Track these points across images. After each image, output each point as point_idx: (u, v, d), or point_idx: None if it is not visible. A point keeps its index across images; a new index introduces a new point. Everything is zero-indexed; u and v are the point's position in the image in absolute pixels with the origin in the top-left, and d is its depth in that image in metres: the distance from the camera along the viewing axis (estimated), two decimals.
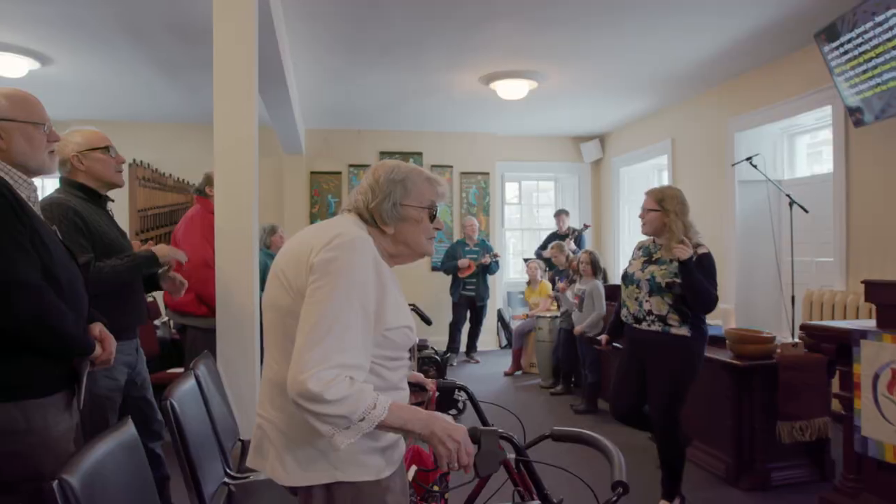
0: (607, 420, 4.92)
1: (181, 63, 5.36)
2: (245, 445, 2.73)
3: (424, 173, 1.54)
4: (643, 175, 8.27)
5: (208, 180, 3.58)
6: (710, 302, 2.96)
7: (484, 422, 1.96)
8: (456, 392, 2.03)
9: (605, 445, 1.55)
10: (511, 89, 5.94)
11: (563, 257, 6.34)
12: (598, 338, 3.66)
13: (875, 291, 2.87)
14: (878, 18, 3.81)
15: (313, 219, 8.10)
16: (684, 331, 3.02)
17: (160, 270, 2.55)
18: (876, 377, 2.69)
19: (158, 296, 6.80)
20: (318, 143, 8.13)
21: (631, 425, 3.30)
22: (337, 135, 8.17)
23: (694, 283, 2.94)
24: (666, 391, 3.05)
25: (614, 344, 3.58)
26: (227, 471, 2.32)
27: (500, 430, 1.45)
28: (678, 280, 2.98)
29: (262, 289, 3.99)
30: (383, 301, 1.38)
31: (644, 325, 3.11)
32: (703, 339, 3.07)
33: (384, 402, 1.29)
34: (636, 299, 3.14)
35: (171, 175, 7.74)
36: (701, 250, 3.03)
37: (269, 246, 5.30)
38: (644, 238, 3.29)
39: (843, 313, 4.54)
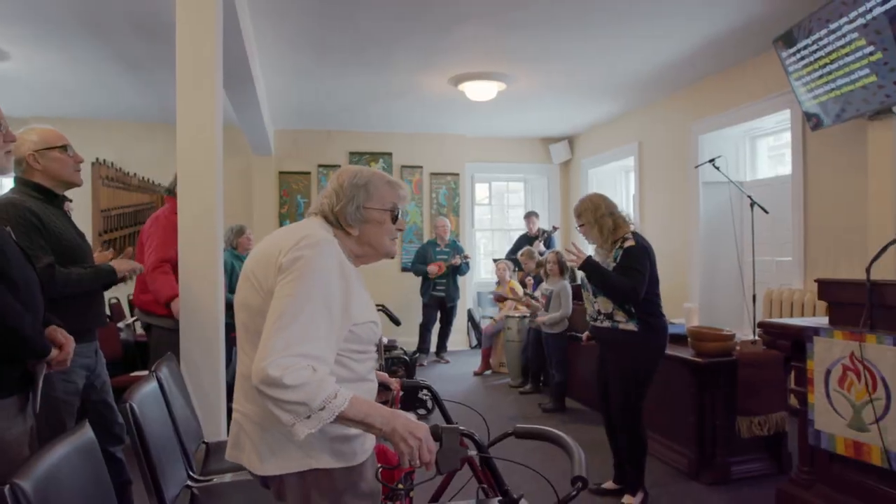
0: (575, 418, 5.00)
1: (144, 60, 5.27)
2: (210, 447, 2.71)
3: (386, 177, 1.62)
4: (611, 176, 8.39)
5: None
6: (627, 293, 3.09)
7: (448, 420, 1.99)
8: (421, 391, 2.04)
9: (566, 442, 1.59)
10: (480, 91, 5.98)
11: (532, 263, 6.41)
12: (580, 335, 3.72)
13: (827, 290, 2.97)
14: (832, 26, 3.94)
15: (282, 219, 8.04)
16: (632, 326, 3.15)
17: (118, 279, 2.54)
18: (828, 373, 2.79)
19: (123, 297, 6.67)
20: (287, 143, 8.07)
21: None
22: (306, 135, 8.12)
23: (601, 282, 3.14)
24: (619, 389, 3.19)
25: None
26: (191, 473, 2.30)
27: (462, 428, 1.47)
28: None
29: (230, 290, 3.97)
30: (349, 299, 1.43)
31: (598, 323, 3.30)
32: (654, 334, 3.17)
33: (345, 394, 1.32)
34: (590, 301, 3.34)
35: (136, 174, 7.60)
36: (626, 244, 3.17)
37: (236, 247, 5.24)
38: None
39: (800, 311, 4.68)
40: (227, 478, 2.36)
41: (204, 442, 2.67)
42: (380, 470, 1.50)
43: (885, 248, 2.69)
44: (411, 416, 1.40)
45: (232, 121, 6.48)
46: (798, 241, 4.98)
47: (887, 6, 3.54)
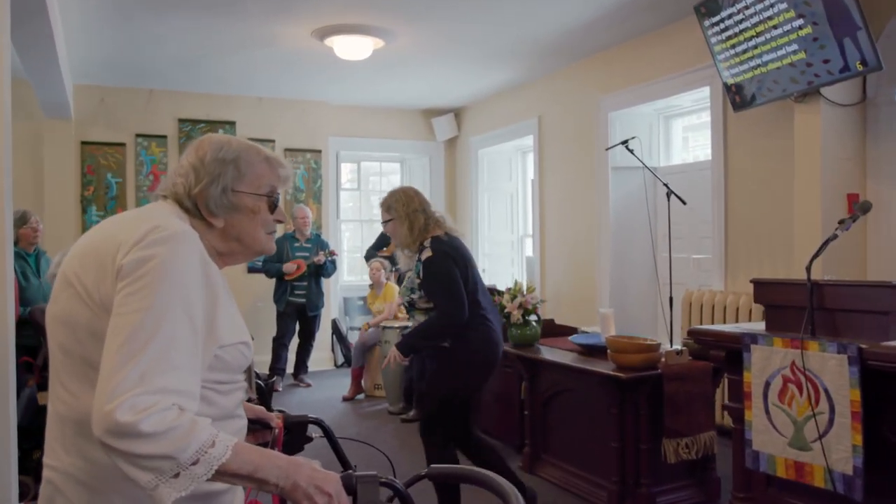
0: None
1: None
2: None
3: (264, 152, 1.56)
4: (505, 158, 8.59)
5: None
6: (448, 326, 3.35)
7: (345, 463, 1.90)
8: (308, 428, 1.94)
9: (497, 483, 1.55)
10: (352, 47, 5.88)
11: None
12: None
13: (764, 291, 3.19)
14: None
15: (86, 204, 7.44)
16: (444, 342, 3.43)
17: None
18: (767, 385, 3.00)
19: None
20: (92, 104, 7.49)
21: (469, 456, 3.54)
22: (119, 95, 7.58)
23: (428, 340, 3.48)
24: (428, 401, 3.56)
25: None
26: None
27: (380, 475, 1.41)
28: (415, 296, 3.53)
29: (21, 302, 3.61)
30: (214, 312, 1.36)
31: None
32: (468, 350, 3.42)
33: (226, 440, 1.22)
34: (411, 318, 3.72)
35: None
36: (424, 255, 3.39)
37: (17, 241, 4.77)
38: None
39: (722, 316, 5.04)
40: None
41: None
42: None
43: (826, 244, 2.94)
44: (315, 464, 1.33)
45: (15, 69, 5.86)
46: (718, 236, 5.36)
47: None
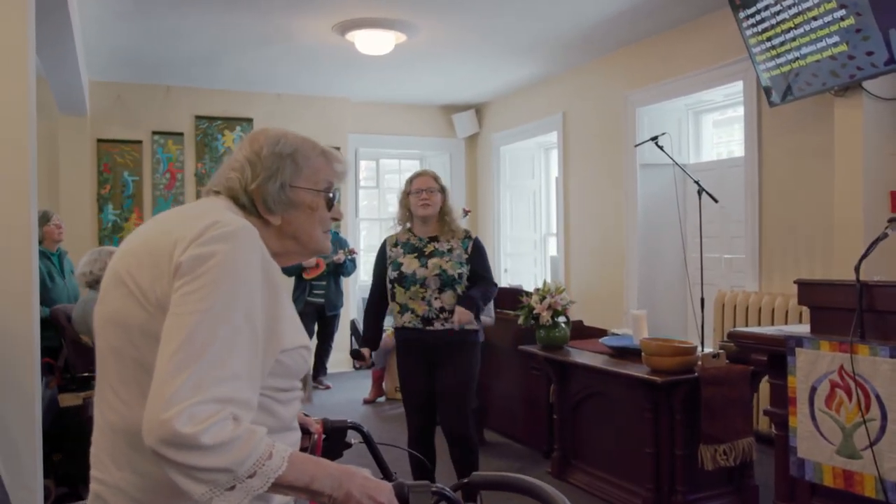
0: (499, 454, 5.00)
1: None
2: None
3: (319, 146, 1.53)
4: (528, 155, 8.55)
5: None
6: (494, 290, 3.77)
7: (386, 471, 1.87)
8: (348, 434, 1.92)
9: (546, 492, 1.52)
10: (374, 42, 5.88)
11: None
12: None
13: (808, 292, 3.12)
14: None
15: (103, 203, 7.47)
16: (474, 324, 3.59)
17: None
18: (813, 390, 2.93)
19: None
20: (108, 101, 7.51)
21: (419, 451, 3.57)
22: (136, 91, 7.60)
23: (485, 301, 3.69)
24: (466, 396, 3.63)
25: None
26: None
27: (433, 484, 1.38)
28: (463, 270, 3.59)
29: (43, 302, 3.61)
30: (276, 313, 1.32)
31: (437, 325, 3.57)
32: (482, 331, 3.80)
33: (282, 451, 1.19)
34: (423, 299, 3.56)
35: None
36: (474, 235, 3.76)
37: (41, 240, 4.78)
38: (393, 233, 3.80)
39: (757, 317, 4.97)
40: None
41: None
42: None
43: (875, 243, 2.86)
44: (366, 472, 1.31)
45: None
46: (752, 235, 5.28)
47: None
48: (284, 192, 1.43)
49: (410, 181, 3.70)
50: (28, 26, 2.89)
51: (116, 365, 1.31)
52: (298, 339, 1.38)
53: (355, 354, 3.77)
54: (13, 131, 2.90)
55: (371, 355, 3.82)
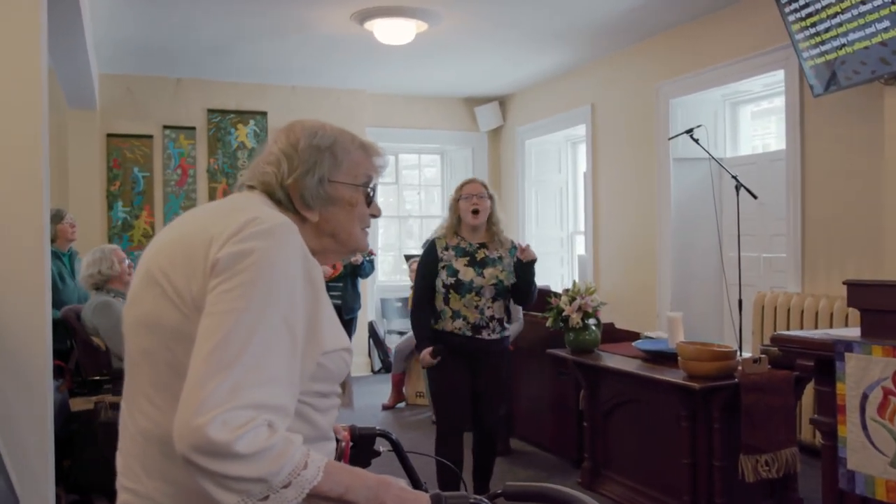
0: (526, 463, 4.97)
1: None
2: None
3: (358, 138, 1.52)
4: (555, 149, 8.50)
5: None
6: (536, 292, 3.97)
7: (415, 480, 1.85)
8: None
9: (584, 502, 1.49)
10: (394, 31, 5.86)
11: None
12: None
13: (859, 294, 3.05)
14: None
15: (112, 200, 7.51)
16: (507, 330, 3.92)
17: None
18: (864, 398, 2.86)
19: None
20: (118, 94, 7.56)
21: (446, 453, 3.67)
22: (146, 84, 7.64)
23: (532, 281, 3.89)
24: (502, 397, 4.03)
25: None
26: None
27: (471, 495, 1.37)
28: (513, 280, 3.79)
29: (53, 304, 3.61)
30: (317, 314, 1.30)
31: (485, 334, 3.75)
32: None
33: (317, 461, 1.19)
34: (476, 307, 3.73)
35: None
36: (516, 244, 3.91)
37: (53, 238, 4.81)
38: (437, 235, 3.90)
39: (800, 320, 4.88)
40: None
41: None
42: None
43: None
44: (402, 483, 1.31)
45: None
46: (794, 234, 5.19)
47: None
48: (323, 186, 1.41)
49: (461, 187, 3.85)
50: (40, 15, 2.90)
51: (149, 369, 1.30)
52: (339, 340, 1.37)
53: (438, 352, 3.80)
54: (25, 126, 2.91)
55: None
